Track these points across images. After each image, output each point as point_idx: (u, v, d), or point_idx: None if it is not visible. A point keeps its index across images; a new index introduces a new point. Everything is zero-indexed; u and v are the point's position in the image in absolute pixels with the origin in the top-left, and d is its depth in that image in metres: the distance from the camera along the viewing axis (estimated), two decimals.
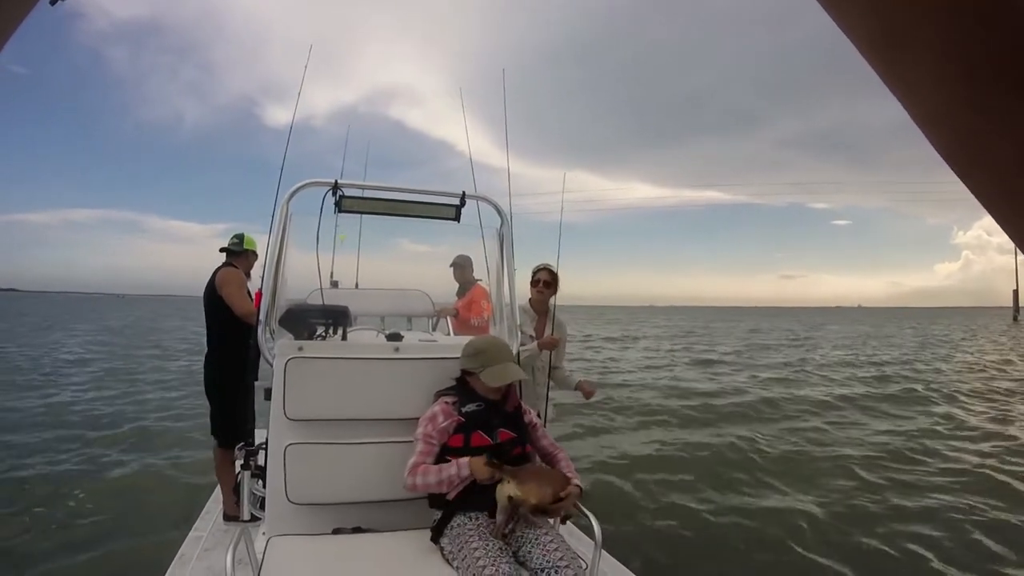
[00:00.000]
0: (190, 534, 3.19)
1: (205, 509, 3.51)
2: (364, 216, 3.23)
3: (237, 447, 2.55)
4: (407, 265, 3.78)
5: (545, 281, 3.95)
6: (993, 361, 19.08)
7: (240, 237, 4.18)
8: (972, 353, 22.43)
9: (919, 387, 12.50)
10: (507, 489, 2.15)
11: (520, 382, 2.88)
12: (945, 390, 12.24)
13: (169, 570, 2.81)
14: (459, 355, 2.52)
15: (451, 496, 2.29)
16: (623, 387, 12.33)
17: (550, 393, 3.73)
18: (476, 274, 4.95)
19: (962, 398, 11.46)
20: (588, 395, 3.90)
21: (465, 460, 2.25)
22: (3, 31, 0.29)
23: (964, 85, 0.31)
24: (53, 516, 4.77)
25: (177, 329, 30.18)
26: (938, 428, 8.77)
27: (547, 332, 3.97)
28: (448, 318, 4.67)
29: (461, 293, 4.95)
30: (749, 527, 4.92)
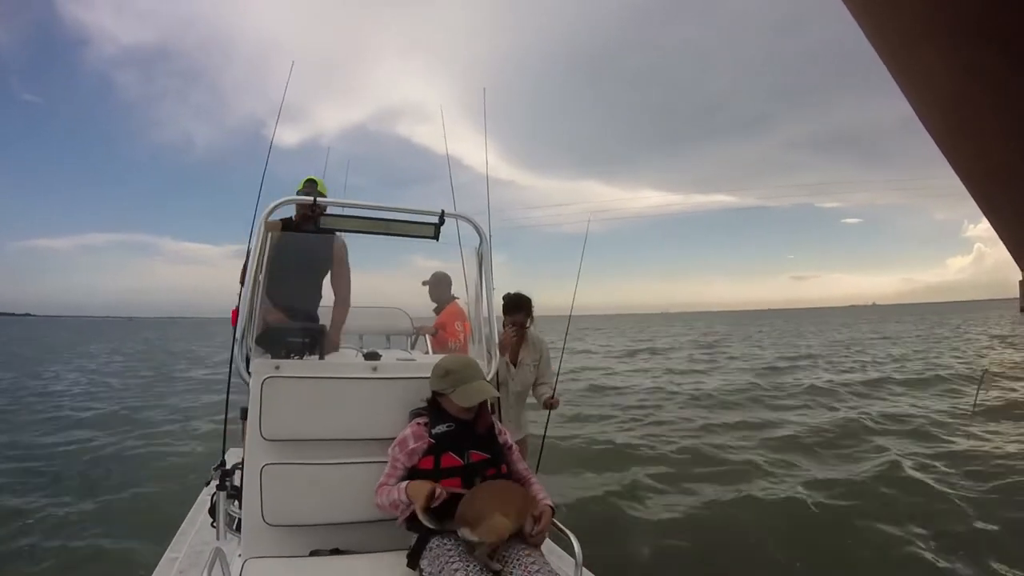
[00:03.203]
0: (165, 554, 3.15)
1: (180, 530, 3.48)
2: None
3: (213, 467, 2.55)
4: (387, 281, 3.75)
5: (521, 323, 3.90)
6: None
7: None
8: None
9: None
10: (466, 534, 2.11)
11: (498, 407, 2.87)
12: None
13: None
14: None
15: (399, 521, 2.28)
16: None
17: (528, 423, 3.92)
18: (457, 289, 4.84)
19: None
20: (552, 406, 3.96)
21: (404, 484, 2.24)
22: None
23: (971, 77, 0.31)
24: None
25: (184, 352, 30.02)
26: None
27: (521, 356, 3.99)
28: (427, 336, 4.65)
29: (438, 311, 4.92)
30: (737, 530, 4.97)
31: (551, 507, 2.32)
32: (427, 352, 4.44)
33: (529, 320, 3.96)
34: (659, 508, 5.61)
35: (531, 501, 2.28)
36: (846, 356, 21.15)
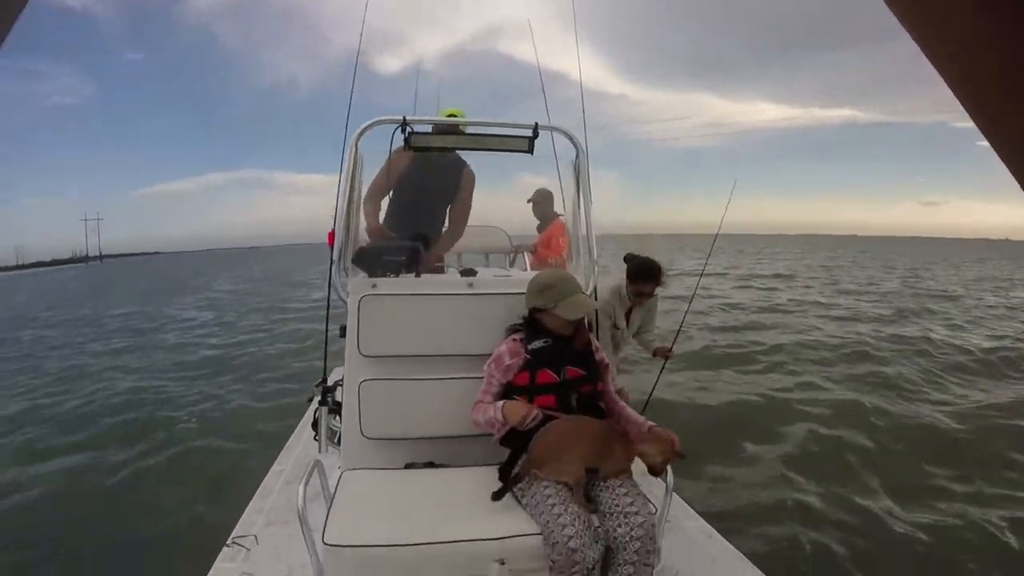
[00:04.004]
0: (272, 467, 3.33)
1: (287, 444, 3.67)
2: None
3: (315, 384, 2.64)
4: (490, 199, 3.67)
5: (648, 293, 3.61)
6: None
7: None
8: None
9: None
10: (537, 475, 2.06)
11: (596, 324, 2.78)
12: None
13: (251, 502, 2.93)
14: None
15: (496, 439, 2.26)
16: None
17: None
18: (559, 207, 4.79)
19: None
20: (667, 356, 3.78)
21: (500, 404, 2.21)
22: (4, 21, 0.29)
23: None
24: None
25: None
26: None
27: (637, 317, 3.79)
28: (526, 254, 4.61)
29: (541, 229, 4.84)
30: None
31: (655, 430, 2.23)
32: (525, 269, 4.39)
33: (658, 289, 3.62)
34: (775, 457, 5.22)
35: (614, 436, 2.18)
36: None
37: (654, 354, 3.87)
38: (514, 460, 2.20)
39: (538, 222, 4.83)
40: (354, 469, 2.38)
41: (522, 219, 4.71)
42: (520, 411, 2.13)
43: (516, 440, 2.21)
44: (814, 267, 31.34)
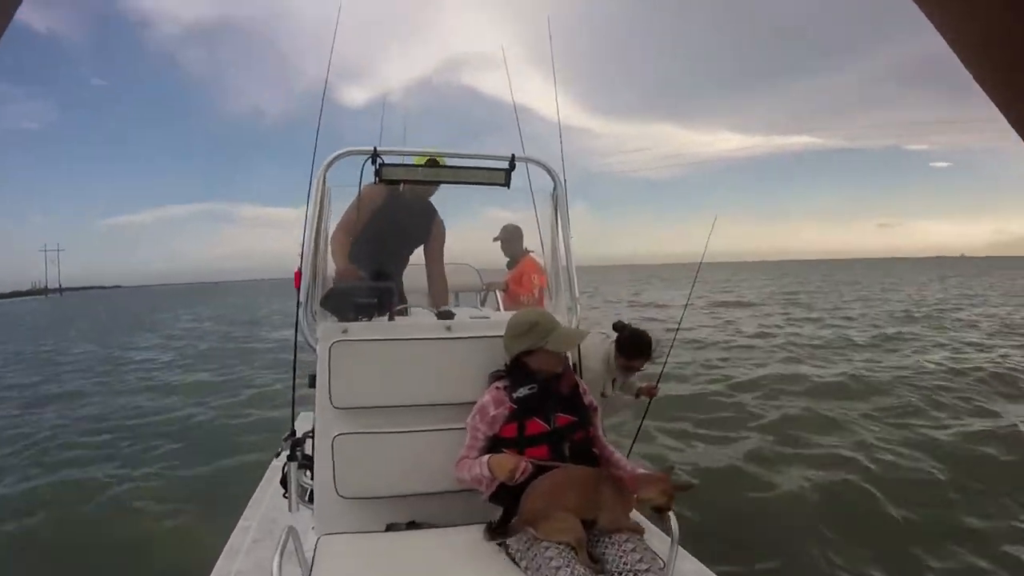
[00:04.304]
0: (239, 523, 3.11)
1: (253, 498, 3.44)
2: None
3: (283, 438, 2.44)
4: (456, 236, 3.58)
5: (638, 368, 3.44)
6: None
7: None
8: None
9: None
10: (533, 535, 1.91)
11: (579, 364, 2.66)
12: None
13: (217, 563, 2.72)
14: None
15: (484, 498, 2.10)
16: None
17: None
18: (532, 242, 4.67)
19: None
20: (652, 395, 3.64)
21: (486, 458, 2.06)
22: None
23: None
24: None
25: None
26: None
27: (620, 380, 3.62)
28: (497, 293, 4.47)
29: (511, 266, 4.72)
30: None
31: (659, 473, 2.09)
32: (499, 309, 4.26)
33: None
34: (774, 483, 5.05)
35: (607, 482, 2.03)
36: None
37: (637, 394, 3.75)
38: (507, 518, 2.05)
39: (507, 259, 4.72)
40: (331, 534, 2.18)
41: (489, 255, 4.63)
42: (508, 464, 1.98)
43: (508, 496, 2.05)
44: (778, 295, 31.20)
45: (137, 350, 17.28)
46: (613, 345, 3.41)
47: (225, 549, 2.86)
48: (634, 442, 3.67)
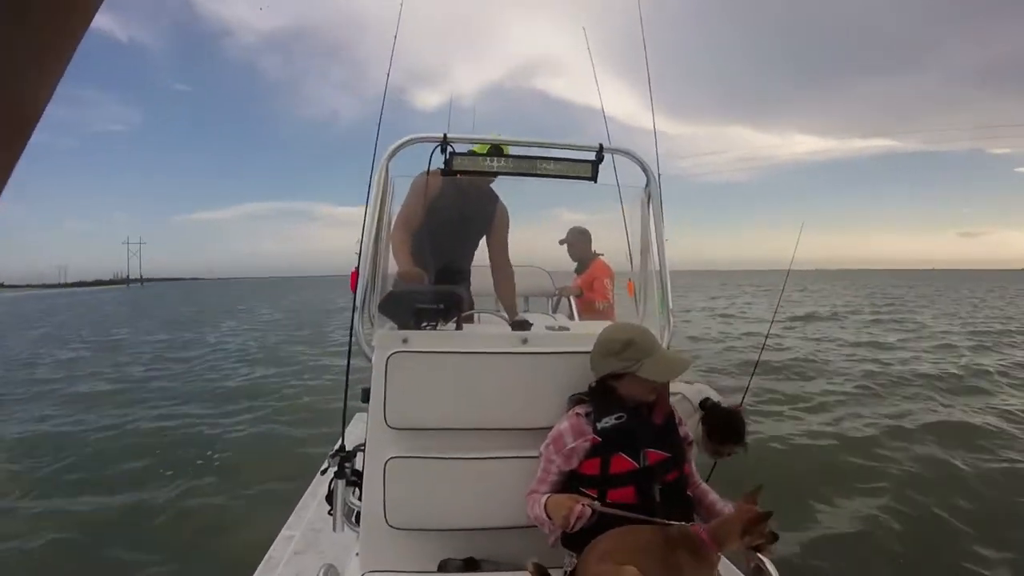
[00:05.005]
0: (281, 532, 2.97)
1: (299, 505, 3.28)
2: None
3: (330, 454, 2.17)
4: (520, 238, 3.28)
5: (728, 454, 2.80)
6: None
7: None
8: None
9: None
10: None
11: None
12: None
13: (256, 573, 2.59)
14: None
15: (550, 543, 1.78)
16: None
17: None
18: (604, 246, 4.33)
19: None
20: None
21: (544, 499, 1.75)
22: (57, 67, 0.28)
23: None
24: None
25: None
26: None
27: None
28: (571, 299, 4.14)
29: (580, 271, 4.40)
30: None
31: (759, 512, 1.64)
32: (571, 317, 3.92)
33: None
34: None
35: (680, 545, 1.64)
36: None
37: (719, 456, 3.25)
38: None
39: (575, 264, 4.43)
40: (377, 572, 1.91)
41: (554, 256, 4.36)
42: (562, 508, 1.66)
43: (580, 542, 1.72)
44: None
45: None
46: (700, 425, 2.93)
47: (265, 558, 2.73)
48: (713, 469, 3.19)
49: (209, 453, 6.25)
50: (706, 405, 2.85)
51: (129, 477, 5.63)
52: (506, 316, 2.78)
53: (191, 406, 8.62)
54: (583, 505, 1.65)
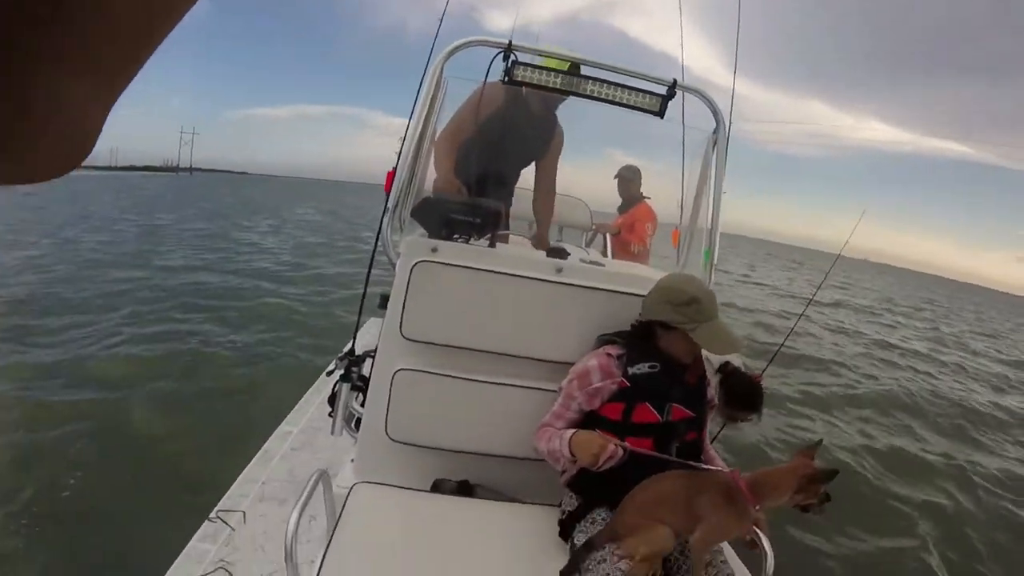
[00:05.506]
0: (280, 427, 3.00)
1: (299, 404, 3.32)
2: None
3: (338, 356, 2.11)
4: (572, 167, 3.19)
5: (743, 420, 2.90)
6: None
7: None
8: None
9: None
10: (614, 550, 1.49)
11: None
12: None
13: (248, 467, 2.64)
14: (639, 290, 1.86)
15: (563, 480, 1.74)
16: None
17: None
18: (651, 190, 4.25)
19: None
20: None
21: (569, 433, 1.65)
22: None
23: None
24: None
25: None
26: None
27: None
28: (607, 235, 4.07)
29: (623, 210, 4.28)
30: None
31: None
32: (605, 255, 3.84)
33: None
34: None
35: (720, 491, 1.56)
36: None
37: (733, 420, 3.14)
38: (583, 512, 1.68)
39: (620, 202, 4.33)
40: (369, 483, 1.86)
41: (600, 195, 4.32)
42: (592, 446, 1.58)
43: (591, 484, 1.69)
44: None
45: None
46: (719, 388, 2.86)
47: (261, 451, 2.77)
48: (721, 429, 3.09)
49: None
50: (727, 369, 2.80)
51: None
52: (532, 240, 2.70)
53: None
54: (615, 445, 1.58)
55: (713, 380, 2.62)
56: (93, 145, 0.26)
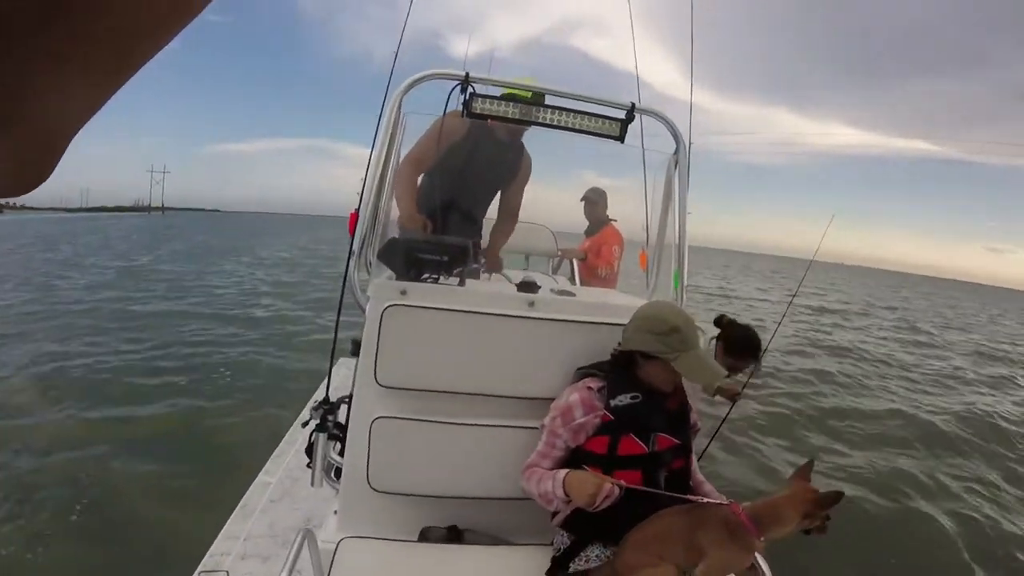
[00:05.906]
0: (259, 477, 2.92)
1: (277, 451, 3.23)
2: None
3: (313, 406, 2.04)
4: (539, 192, 3.18)
5: (742, 369, 3.07)
6: None
7: None
8: None
9: None
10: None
11: None
12: None
13: (229, 521, 2.55)
14: (613, 319, 1.86)
15: (556, 521, 1.68)
16: None
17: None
18: (619, 215, 4.26)
19: None
20: (734, 397, 3.06)
21: (562, 474, 1.62)
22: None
23: None
24: None
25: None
26: None
27: None
28: (574, 261, 4.05)
29: (590, 233, 4.29)
30: None
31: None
32: (573, 281, 3.83)
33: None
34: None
35: (719, 525, 1.54)
36: None
37: (714, 393, 3.15)
38: (577, 549, 1.65)
39: (587, 224, 4.34)
40: (355, 537, 1.80)
41: (563, 219, 4.37)
42: (588, 486, 1.55)
43: (586, 524, 1.65)
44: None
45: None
46: (714, 345, 2.93)
47: (240, 504, 2.70)
48: (704, 452, 3.07)
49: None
50: (722, 322, 2.91)
51: None
52: (508, 275, 2.66)
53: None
54: (612, 484, 1.55)
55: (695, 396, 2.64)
56: (57, 160, 0.24)
